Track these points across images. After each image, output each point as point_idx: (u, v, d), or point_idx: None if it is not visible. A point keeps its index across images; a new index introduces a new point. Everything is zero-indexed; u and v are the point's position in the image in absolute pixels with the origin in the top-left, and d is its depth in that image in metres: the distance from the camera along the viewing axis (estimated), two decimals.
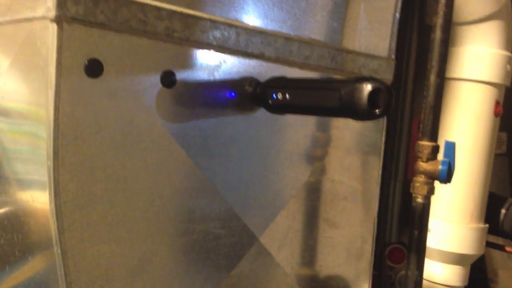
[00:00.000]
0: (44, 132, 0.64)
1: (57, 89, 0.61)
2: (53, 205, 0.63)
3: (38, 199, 0.68)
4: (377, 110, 0.68)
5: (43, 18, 0.62)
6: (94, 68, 0.64)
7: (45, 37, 0.62)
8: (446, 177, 0.90)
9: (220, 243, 0.82)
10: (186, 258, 0.78)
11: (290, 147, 0.90)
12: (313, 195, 0.96)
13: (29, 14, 0.65)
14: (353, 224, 1.04)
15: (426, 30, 1.30)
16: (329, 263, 1.00)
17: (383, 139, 1.06)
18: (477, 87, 1.22)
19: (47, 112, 0.62)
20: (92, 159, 0.66)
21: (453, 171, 0.90)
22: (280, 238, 0.91)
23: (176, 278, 0.77)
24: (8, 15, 0.70)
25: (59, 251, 0.64)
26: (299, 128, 0.91)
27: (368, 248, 1.07)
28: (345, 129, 0.98)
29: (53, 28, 0.61)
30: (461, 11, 1.18)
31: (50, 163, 0.63)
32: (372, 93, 0.68)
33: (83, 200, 0.65)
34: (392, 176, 1.36)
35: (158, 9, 0.68)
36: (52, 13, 0.60)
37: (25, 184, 0.72)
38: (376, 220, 1.07)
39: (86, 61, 0.63)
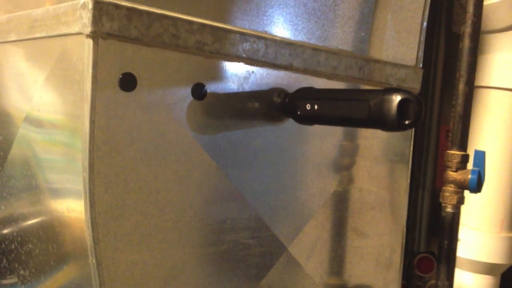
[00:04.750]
0: (79, 143, 0.65)
1: (92, 103, 0.63)
2: (88, 216, 0.65)
3: (74, 209, 0.69)
4: (406, 121, 0.68)
5: (79, 34, 0.63)
6: (128, 82, 0.65)
7: (80, 53, 0.64)
8: (476, 186, 0.89)
9: (250, 253, 0.82)
10: (216, 268, 0.79)
11: (318, 157, 0.90)
12: (341, 205, 0.96)
13: (65, 30, 0.67)
14: (381, 233, 1.03)
15: (453, 38, 1.30)
16: (358, 272, 1.00)
17: (411, 148, 1.05)
18: (506, 95, 1.21)
19: (83, 125, 0.64)
20: (126, 171, 0.67)
21: (483, 180, 0.90)
22: (309, 248, 0.91)
23: (207, 287, 0.78)
24: (44, 31, 0.72)
25: (94, 261, 0.66)
26: (327, 138, 0.91)
27: (396, 258, 1.06)
28: (373, 139, 0.98)
29: (88, 43, 0.62)
30: (489, 19, 1.18)
31: (86, 174, 0.64)
32: (401, 104, 0.68)
33: (117, 211, 0.67)
34: (420, 185, 1.35)
35: (189, 23, 0.69)
36: (88, 29, 0.62)
37: (59, 194, 0.74)
38: (404, 229, 1.07)
39: (120, 75, 0.65)
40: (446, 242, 0.93)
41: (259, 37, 0.78)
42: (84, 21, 0.62)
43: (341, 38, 0.90)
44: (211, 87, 0.74)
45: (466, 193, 0.93)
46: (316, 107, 0.76)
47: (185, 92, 0.72)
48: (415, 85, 1.01)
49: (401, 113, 0.68)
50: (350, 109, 0.74)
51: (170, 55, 0.69)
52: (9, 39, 0.82)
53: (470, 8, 0.90)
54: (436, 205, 1.03)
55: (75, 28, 0.64)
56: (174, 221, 0.73)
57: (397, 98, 0.68)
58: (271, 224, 0.84)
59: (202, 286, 0.78)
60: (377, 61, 0.94)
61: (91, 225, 0.65)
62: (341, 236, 0.97)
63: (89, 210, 0.64)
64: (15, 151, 0.84)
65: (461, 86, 0.92)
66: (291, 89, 0.82)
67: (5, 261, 0.90)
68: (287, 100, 0.81)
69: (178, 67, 0.71)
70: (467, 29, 0.90)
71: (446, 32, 1.32)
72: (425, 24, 1.03)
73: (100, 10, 0.62)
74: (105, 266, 0.66)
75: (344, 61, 0.89)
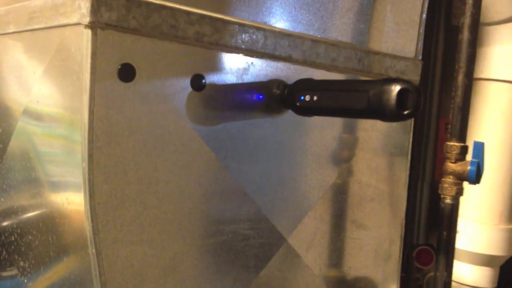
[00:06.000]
0: (78, 136, 0.65)
1: (91, 94, 0.63)
2: (87, 206, 0.65)
3: (73, 201, 0.69)
4: (405, 111, 0.68)
5: (78, 24, 0.63)
6: (126, 73, 0.65)
7: (79, 43, 0.64)
8: (475, 177, 0.89)
9: (249, 244, 0.82)
10: (216, 259, 0.79)
11: (318, 149, 0.90)
12: (341, 197, 0.96)
13: (63, 20, 0.67)
14: (380, 225, 1.03)
15: (452, 31, 1.30)
16: (357, 264, 1.00)
17: (410, 140, 1.05)
18: (505, 87, 1.21)
19: (82, 115, 0.64)
20: (125, 162, 0.67)
21: (482, 171, 0.90)
22: (308, 239, 0.91)
23: (207, 278, 0.78)
24: (42, 22, 0.72)
25: (93, 251, 0.66)
26: (326, 129, 0.91)
27: (396, 250, 1.07)
28: (372, 131, 0.98)
29: (87, 34, 0.62)
30: (488, 11, 1.17)
31: (85, 165, 0.64)
32: (400, 94, 0.68)
33: (116, 202, 0.67)
34: (419, 177, 1.35)
35: (188, 13, 0.69)
36: (87, 20, 0.61)
37: (59, 187, 0.74)
38: (403, 221, 1.07)
39: (119, 65, 0.65)
40: (445, 233, 0.93)
41: (258, 28, 0.77)
42: (82, 11, 0.62)
43: (340, 30, 0.90)
44: (210, 78, 0.74)
45: (465, 184, 0.93)
46: (315, 98, 0.76)
47: (184, 83, 0.72)
48: (415, 77, 1.01)
49: (400, 103, 0.68)
50: (349, 99, 0.74)
51: (169, 46, 0.69)
52: (8, 31, 0.82)
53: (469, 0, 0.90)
54: (436, 198, 1.03)
55: (74, 19, 0.64)
56: (173, 212, 0.73)
57: (396, 88, 0.68)
58: (270, 216, 0.84)
59: (201, 277, 0.78)
60: (377, 53, 0.94)
61: (90, 215, 0.65)
62: (340, 228, 0.97)
63: (88, 200, 0.64)
64: (14, 143, 0.84)
65: (461, 78, 0.92)
66: (290, 80, 0.82)
67: (4, 253, 0.90)
68: (286, 91, 0.81)
69: (177, 58, 0.71)
70: (466, 21, 0.90)
71: (445, 24, 1.32)
72: (424, 16, 1.03)
73: (99, 0, 0.61)
74: (104, 256, 0.66)
75: (343, 53, 0.89)
